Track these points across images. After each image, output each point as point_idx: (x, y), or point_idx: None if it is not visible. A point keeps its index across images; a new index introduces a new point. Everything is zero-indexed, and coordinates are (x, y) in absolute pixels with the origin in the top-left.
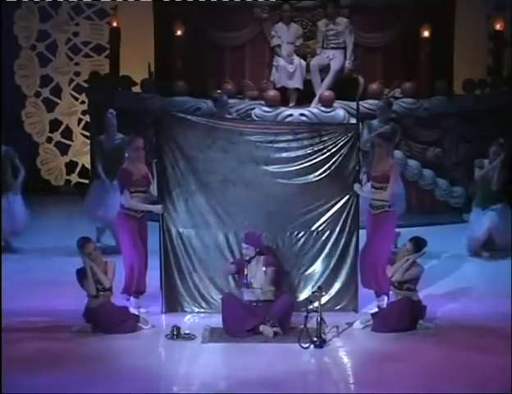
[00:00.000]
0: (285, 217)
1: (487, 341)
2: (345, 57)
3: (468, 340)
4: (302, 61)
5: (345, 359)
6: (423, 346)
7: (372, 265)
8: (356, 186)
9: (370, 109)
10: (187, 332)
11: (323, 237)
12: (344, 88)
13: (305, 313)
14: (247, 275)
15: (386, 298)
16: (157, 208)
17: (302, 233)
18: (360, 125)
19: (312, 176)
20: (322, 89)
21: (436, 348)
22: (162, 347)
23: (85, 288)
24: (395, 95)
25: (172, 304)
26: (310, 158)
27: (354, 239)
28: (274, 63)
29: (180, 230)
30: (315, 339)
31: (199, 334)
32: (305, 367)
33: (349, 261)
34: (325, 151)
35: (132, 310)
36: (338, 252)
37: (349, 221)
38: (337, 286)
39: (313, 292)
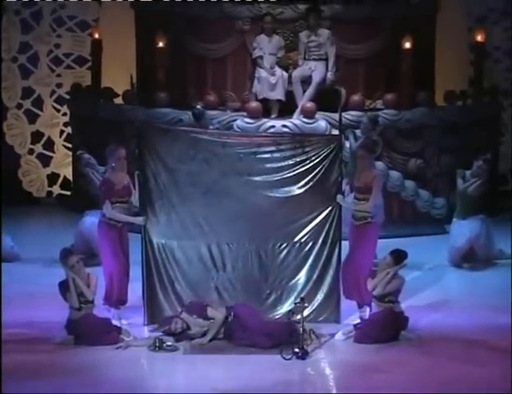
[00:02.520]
0: (267, 228)
1: (470, 352)
2: (327, 68)
3: (451, 351)
4: (284, 72)
5: (328, 371)
6: (406, 357)
7: (354, 276)
8: (339, 197)
9: (352, 121)
10: (169, 343)
11: (306, 248)
12: (326, 99)
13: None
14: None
15: (368, 309)
16: (139, 220)
17: (285, 244)
18: (344, 135)
19: (295, 187)
20: (304, 101)
21: (418, 359)
22: (145, 359)
23: (68, 300)
24: (376, 106)
25: (154, 316)
26: (293, 169)
27: (337, 250)
28: (256, 75)
29: (163, 241)
30: (297, 350)
31: (181, 346)
32: (288, 378)
33: (331, 272)
34: (307, 162)
35: (114, 322)
36: (321, 263)
37: (331, 232)
38: (320, 297)
39: (296, 303)
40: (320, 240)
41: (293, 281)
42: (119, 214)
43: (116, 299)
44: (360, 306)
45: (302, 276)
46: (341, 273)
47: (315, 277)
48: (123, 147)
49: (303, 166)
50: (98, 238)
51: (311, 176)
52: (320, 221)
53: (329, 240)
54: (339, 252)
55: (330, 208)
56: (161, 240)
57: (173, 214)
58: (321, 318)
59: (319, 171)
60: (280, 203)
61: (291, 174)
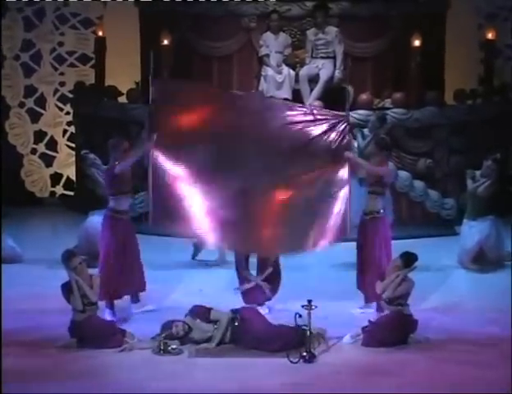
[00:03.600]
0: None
1: (480, 355)
2: (335, 66)
3: (461, 354)
4: (291, 70)
5: (336, 374)
6: (414, 361)
7: (368, 272)
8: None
9: (360, 120)
10: (174, 346)
11: None
12: (333, 98)
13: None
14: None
15: (374, 309)
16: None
17: None
18: (352, 134)
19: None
20: (312, 99)
21: (427, 362)
22: (149, 362)
23: (71, 303)
24: (385, 105)
25: None
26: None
27: None
28: (262, 73)
29: None
30: (304, 354)
31: (186, 349)
32: (295, 382)
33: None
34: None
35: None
36: None
37: None
38: None
39: (303, 306)
40: None
41: None
42: (130, 158)
43: (109, 294)
44: (367, 301)
45: None
46: (358, 270)
47: None
48: (125, 140)
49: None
50: (101, 230)
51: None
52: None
53: None
54: None
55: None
56: None
57: None
58: None
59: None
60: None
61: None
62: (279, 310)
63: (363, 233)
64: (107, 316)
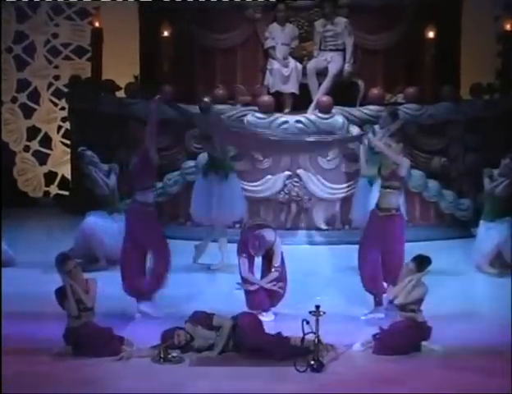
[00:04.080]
0: None
1: (497, 365)
2: (344, 59)
3: (477, 363)
4: (298, 64)
5: (345, 384)
6: (428, 370)
7: (378, 271)
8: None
9: (371, 116)
10: (175, 354)
11: None
12: (343, 93)
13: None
14: None
15: (383, 312)
16: None
17: None
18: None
19: None
20: (320, 94)
21: (441, 372)
22: (148, 372)
23: (66, 308)
24: (397, 101)
25: None
26: None
27: None
28: (268, 66)
29: None
30: (312, 362)
31: (187, 357)
32: (302, 392)
33: None
34: None
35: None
36: None
37: None
38: None
39: (310, 312)
40: None
41: None
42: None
43: (132, 288)
44: (377, 304)
45: None
46: (360, 264)
47: None
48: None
49: None
50: (126, 221)
51: None
52: None
53: None
54: None
55: None
56: None
57: None
58: None
59: None
60: None
61: None
62: (285, 317)
63: (380, 231)
64: (145, 308)
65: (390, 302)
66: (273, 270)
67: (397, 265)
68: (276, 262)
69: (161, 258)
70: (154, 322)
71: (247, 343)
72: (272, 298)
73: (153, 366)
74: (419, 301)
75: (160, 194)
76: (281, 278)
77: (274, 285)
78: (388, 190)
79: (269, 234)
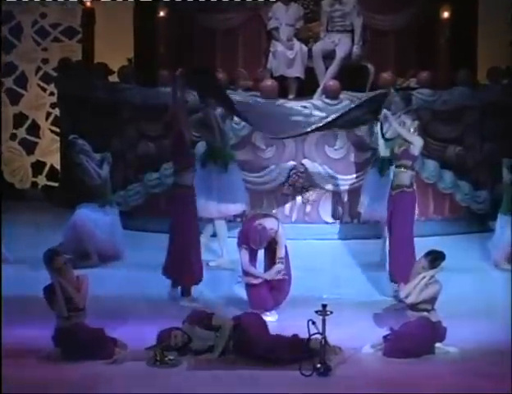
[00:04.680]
0: None
1: None
2: (353, 41)
3: (494, 367)
4: (303, 46)
5: (353, 389)
6: (443, 374)
7: (404, 251)
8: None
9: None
10: (171, 357)
11: None
12: (351, 77)
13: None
14: None
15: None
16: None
17: None
18: None
19: None
20: (327, 79)
21: (457, 376)
22: (143, 375)
23: (54, 308)
24: (410, 85)
25: None
26: None
27: None
28: (271, 49)
29: None
30: (319, 365)
31: (185, 360)
32: None
33: None
34: None
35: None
36: None
37: None
38: None
39: (317, 311)
40: None
41: None
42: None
43: (176, 274)
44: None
45: None
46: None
47: None
48: None
49: None
50: (171, 203)
51: None
52: None
53: None
54: None
55: None
56: None
57: None
58: None
59: None
60: None
61: None
62: (289, 317)
63: (390, 209)
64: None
65: (400, 301)
66: (277, 262)
67: (404, 249)
68: (280, 253)
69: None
70: (149, 323)
71: (251, 345)
72: (276, 296)
73: (148, 370)
74: (433, 300)
75: (156, 186)
76: (285, 273)
77: (278, 273)
78: (401, 169)
79: (271, 223)
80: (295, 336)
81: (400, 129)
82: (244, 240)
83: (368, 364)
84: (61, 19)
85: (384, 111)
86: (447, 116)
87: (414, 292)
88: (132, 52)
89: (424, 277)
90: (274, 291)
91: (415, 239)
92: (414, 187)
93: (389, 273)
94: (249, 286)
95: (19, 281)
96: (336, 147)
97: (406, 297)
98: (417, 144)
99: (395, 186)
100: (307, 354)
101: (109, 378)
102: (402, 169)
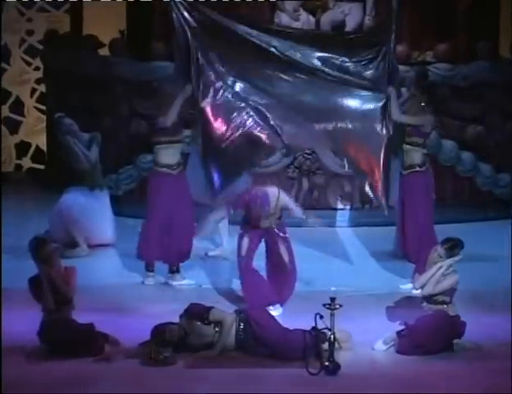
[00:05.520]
0: None
1: None
2: (364, 12)
3: None
4: (310, 17)
5: (364, 388)
6: (462, 372)
7: (408, 236)
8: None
9: None
10: (167, 354)
11: None
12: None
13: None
14: None
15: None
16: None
17: None
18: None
19: None
20: None
21: (477, 374)
22: (136, 374)
23: (40, 301)
24: (426, 59)
25: None
26: None
27: None
28: (275, 20)
29: None
30: (327, 363)
31: (182, 358)
32: None
33: None
34: None
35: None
36: None
37: None
38: None
39: (325, 305)
40: None
41: None
42: (173, 108)
43: (148, 255)
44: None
45: None
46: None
47: None
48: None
49: None
50: (148, 188)
51: None
52: None
53: None
54: None
55: None
56: None
57: None
58: None
59: None
60: None
61: None
62: (295, 310)
63: (402, 190)
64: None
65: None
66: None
67: (420, 234)
68: (292, 210)
69: None
70: (143, 317)
71: (260, 340)
72: (280, 291)
73: (141, 368)
74: (450, 292)
75: (148, 169)
76: (290, 270)
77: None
78: (411, 146)
79: (272, 189)
80: (300, 330)
81: (409, 119)
82: (243, 205)
83: (380, 361)
84: None
85: (390, 89)
86: (467, 92)
87: (431, 282)
88: (124, 24)
89: (441, 267)
90: (278, 286)
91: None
92: (428, 166)
93: (404, 256)
94: (247, 279)
95: (1, 271)
96: None
97: (421, 288)
98: (427, 123)
99: (405, 166)
100: (316, 349)
101: (99, 377)
102: (412, 147)
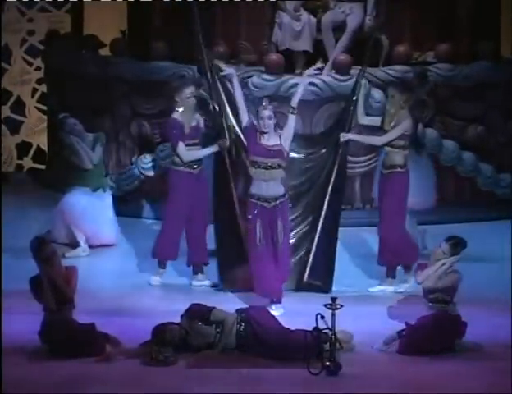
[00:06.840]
0: None
1: None
2: (365, 11)
3: None
4: (311, 17)
5: (365, 389)
6: (463, 373)
7: (390, 233)
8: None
9: (396, 77)
10: (167, 354)
11: None
12: (363, 51)
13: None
14: None
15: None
16: (219, 144)
17: None
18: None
19: None
20: (337, 53)
21: (479, 374)
22: (136, 374)
23: (42, 301)
24: (427, 59)
25: None
26: None
27: None
28: (276, 20)
29: None
30: (328, 363)
31: (183, 358)
32: None
33: None
34: None
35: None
36: None
37: None
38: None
39: (325, 305)
40: None
41: None
42: (196, 152)
43: (163, 255)
44: (407, 269)
45: None
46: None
47: None
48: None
49: None
50: (169, 187)
51: None
52: None
53: None
54: None
55: None
56: None
57: None
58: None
59: None
60: None
61: None
62: (296, 310)
63: (380, 190)
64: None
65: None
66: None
67: (394, 233)
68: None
69: None
70: (144, 317)
71: (261, 339)
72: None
73: (142, 368)
74: (451, 290)
75: (151, 168)
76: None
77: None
78: (391, 148)
79: None
80: (301, 330)
81: (367, 119)
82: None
83: (381, 361)
84: None
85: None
86: (468, 92)
87: (432, 277)
88: (125, 24)
89: (444, 264)
90: (278, 271)
91: (433, 226)
92: (408, 167)
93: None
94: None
95: (2, 271)
96: None
97: (423, 282)
98: (405, 127)
99: (387, 166)
100: (318, 349)
101: (100, 377)
102: (392, 149)
